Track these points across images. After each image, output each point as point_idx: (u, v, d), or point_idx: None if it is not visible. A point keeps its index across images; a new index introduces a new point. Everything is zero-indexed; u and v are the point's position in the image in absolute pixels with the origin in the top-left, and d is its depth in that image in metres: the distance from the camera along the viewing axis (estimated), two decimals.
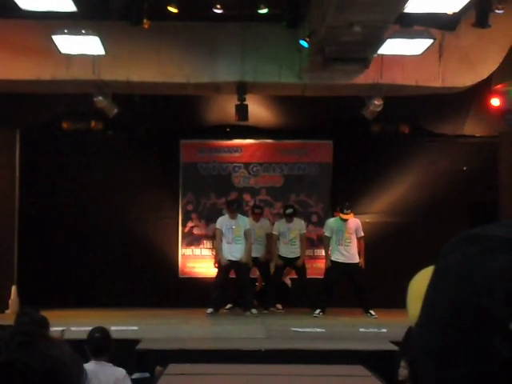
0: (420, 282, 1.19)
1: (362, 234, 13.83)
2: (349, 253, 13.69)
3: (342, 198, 15.33)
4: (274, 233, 14.12)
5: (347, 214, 13.74)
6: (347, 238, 13.77)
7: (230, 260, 13.41)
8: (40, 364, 1.23)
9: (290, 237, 14.06)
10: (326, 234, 13.88)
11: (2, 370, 1.20)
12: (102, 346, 6.51)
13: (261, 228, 14.33)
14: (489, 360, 0.94)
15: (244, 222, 13.68)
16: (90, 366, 6.05)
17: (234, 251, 13.43)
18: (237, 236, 13.48)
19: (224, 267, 13.54)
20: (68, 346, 1.32)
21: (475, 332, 0.95)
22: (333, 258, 13.75)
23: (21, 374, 1.20)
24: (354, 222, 13.88)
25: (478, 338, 0.95)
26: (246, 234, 13.53)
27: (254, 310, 13.55)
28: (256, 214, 14.40)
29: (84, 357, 6.23)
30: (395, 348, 9.59)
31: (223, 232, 13.53)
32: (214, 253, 14.26)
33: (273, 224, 14.49)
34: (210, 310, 13.48)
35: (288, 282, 14.83)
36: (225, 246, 13.50)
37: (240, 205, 14.55)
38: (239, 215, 13.74)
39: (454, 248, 1.04)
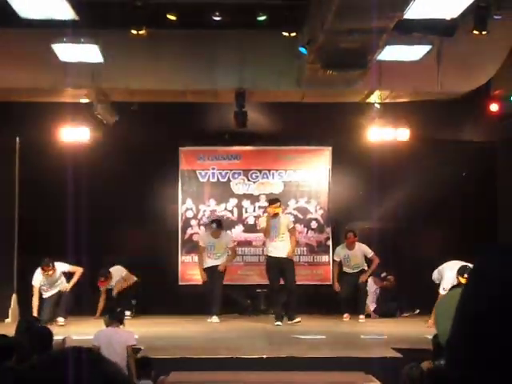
0: (447, 304, 1.22)
1: (372, 253, 14.43)
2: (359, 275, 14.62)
3: (341, 205, 15.45)
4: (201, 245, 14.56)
5: (348, 239, 14.53)
6: (355, 264, 14.55)
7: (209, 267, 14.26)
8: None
9: (216, 251, 14.40)
10: (335, 258, 14.79)
11: None
12: (121, 318, 9.16)
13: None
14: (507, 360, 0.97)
15: (227, 238, 14.55)
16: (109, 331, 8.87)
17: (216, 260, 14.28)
18: (218, 252, 14.32)
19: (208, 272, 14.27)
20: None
21: (490, 334, 0.97)
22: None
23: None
24: (359, 249, 14.59)
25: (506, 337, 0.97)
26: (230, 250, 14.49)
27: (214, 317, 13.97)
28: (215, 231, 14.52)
29: None
30: (396, 354, 9.61)
31: (206, 247, 14.35)
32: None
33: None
34: (214, 319, 13.75)
35: None
36: (207, 260, 14.32)
37: (221, 224, 14.63)
38: (222, 233, 14.45)
39: (481, 262, 1.07)
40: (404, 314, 14.58)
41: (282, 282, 13.64)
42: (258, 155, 15.92)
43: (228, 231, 15.06)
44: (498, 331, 1.02)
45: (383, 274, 14.61)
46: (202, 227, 15.78)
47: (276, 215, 13.64)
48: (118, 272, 14.68)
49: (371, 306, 14.73)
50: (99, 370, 1.37)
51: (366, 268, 14.56)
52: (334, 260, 14.89)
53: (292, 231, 13.81)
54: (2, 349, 5.65)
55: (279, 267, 13.51)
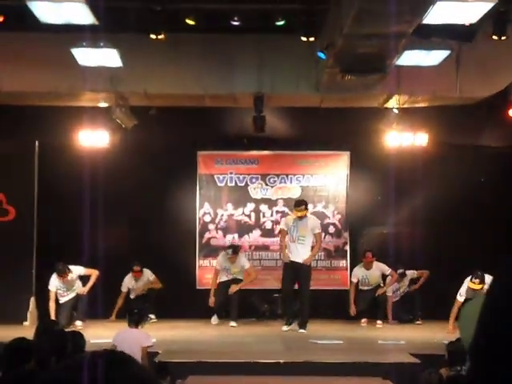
0: (471, 310, 1.23)
1: (389, 270, 14.42)
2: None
3: (359, 210, 15.44)
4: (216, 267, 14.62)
5: (366, 258, 14.49)
6: (374, 283, 14.56)
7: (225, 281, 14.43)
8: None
9: (232, 273, 14.47)
10: (352, 279, 14.62)
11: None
12: (139, 319, 9.33)
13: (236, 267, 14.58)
14: None
15: (243, 262, 14.57)
16: (126, 332, 9.20)
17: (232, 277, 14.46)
18: (234, 273, 14.45)
19: (221, 286, 14.36)
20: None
21: None
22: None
23: None
24: (377, 268, 14.57)
25: None
26: (248, 271, 14.53)
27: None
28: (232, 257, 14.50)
29: None
30: (414, 360, 9.58)
31: (221, 270, 14.47)
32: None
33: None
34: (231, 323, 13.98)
35: None
36: (223, 276, 14.45)
37: (237, 250, 14.60)
38: (238, 257, 14.44)
39: (505, 273, 1.09)
40: (418, 322, 14.45)
41: (296, 287, 13.43)
42: (275, 160, 15.93)
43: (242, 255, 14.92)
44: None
45: (400, 271, 14.49)
46: (220, 231, 15.81)
47: (301, 218, 13.23)
48: (146, 274, 14.74)
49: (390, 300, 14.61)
50: (123, 373, 1.38)
51: (382, 284, 14.55)
52: (351, 281, 14.69)
53: (317, 237, 13.32)
54: (21, 352, 5.68)
55: (295, 272, 13.13)
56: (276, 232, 15.29)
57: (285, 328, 13.14)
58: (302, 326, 13.02)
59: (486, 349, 1.06)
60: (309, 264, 13.26)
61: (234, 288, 14.21)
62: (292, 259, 13.15)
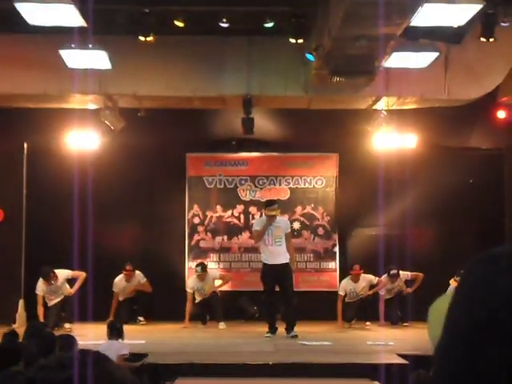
0: (439, 308, 1.24)
1: (377, 279, 14.43)
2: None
3: (348, 211, 15.44)
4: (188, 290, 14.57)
5: (354, 270, 14.41)
6: (360, 295, 14.44)
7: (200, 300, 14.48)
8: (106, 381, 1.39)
9: (205, 292, 14.46)
10: (340, 292, 14.41)
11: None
12: (118, 333, 9.37)
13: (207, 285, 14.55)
14: (499, 369, 0.99)
15: (213, 276, 14.69)
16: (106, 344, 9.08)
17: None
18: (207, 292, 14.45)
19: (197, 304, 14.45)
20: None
21: (488, 345, 1.00)
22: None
23: None
24: (364, 280, 14.48)
25: (490, 349, 0.99)
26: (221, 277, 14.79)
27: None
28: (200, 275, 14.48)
29: None
30: (403, 361, 9.59)
31: (194, 292, 14.48)
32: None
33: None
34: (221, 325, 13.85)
35: None
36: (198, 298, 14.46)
37: (205, 267, 14.58)
38: (207, 275, 14.45)
39: (472, 270, 1.09)
40: (405, 324, 14.40)
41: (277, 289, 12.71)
42: (264, 161, 15.94)
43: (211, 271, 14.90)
44: (474, 340, 1.05)
45: (393, 272, 14.42)
46: (209, 233, 15.81)
47: (273, 218, 12.55)
48: (138, 276, 14.72)
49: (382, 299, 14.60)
50: (106, 371, 1.40)
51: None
52: (339, 295, 14.35)
53: (288, 236, 12.64)
54: (9, 353, 5.67)
55: (276, 275, 12.45)
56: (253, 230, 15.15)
57: (269, 335, 12.44)
58: (290, 329, 12.44)
59: (452, 349, 1.07)
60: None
61: (210, 290, 14.33)
62: (273, 262, 12.48)
